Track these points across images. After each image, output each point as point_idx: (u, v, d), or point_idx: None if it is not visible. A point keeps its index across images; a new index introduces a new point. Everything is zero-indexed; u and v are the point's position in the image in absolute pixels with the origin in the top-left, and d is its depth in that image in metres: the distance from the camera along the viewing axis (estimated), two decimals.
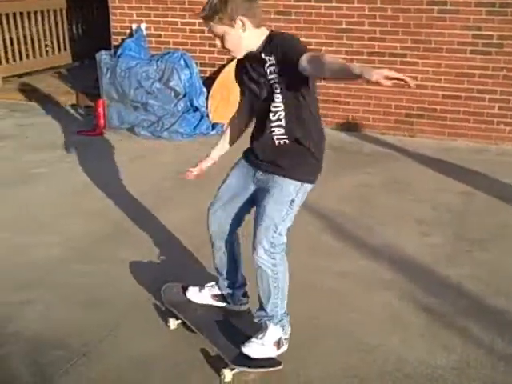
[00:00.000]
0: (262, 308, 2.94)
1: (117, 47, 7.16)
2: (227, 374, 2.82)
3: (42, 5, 9.04)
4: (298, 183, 2.82)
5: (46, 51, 9.28)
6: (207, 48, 7.04)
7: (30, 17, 8.84)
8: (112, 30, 7.51)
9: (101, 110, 6.70)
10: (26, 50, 8.86)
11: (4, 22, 8.40)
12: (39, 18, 9.01)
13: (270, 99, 2.74)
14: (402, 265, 3.87)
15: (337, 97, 6.59)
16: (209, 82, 6.85)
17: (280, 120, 2.77)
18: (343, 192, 5.01)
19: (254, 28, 2.71)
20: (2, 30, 8.37)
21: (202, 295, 3.31)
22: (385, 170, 5.53)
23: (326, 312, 3.36)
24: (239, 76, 2.92)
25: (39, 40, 9.06)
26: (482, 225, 4.44)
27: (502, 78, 6.13)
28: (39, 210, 4.67)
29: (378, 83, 2.29)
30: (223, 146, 3.17)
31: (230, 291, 3.25)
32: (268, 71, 2.69)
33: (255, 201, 2.93)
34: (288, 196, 2.80)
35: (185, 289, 3.35)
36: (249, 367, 2.86)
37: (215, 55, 7.04)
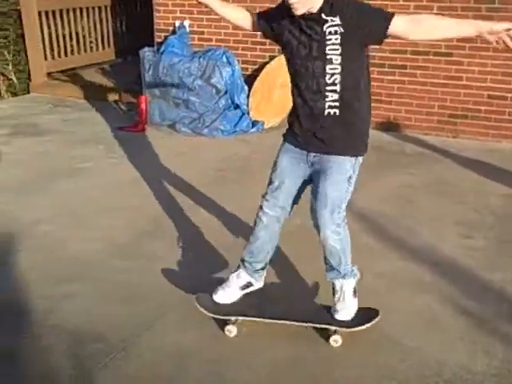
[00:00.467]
0: (332, 269, 3.09)
1: (160, 44, 7.21)
2: (339, 340, 3.04)
3: (88, 2, 9.15)
4: (353, 158, 2.89)
5: (91, 47, 9.39)
6: (249, 45, 7.04)
7: (76, 13, 8.95)
8: (155, 27, 7.57)
9: (143, 106, 6.76)
10: (71, 46, 8.98)
11: (51, 18, 8.53)
12: (84, 15, 9.12)
13: (326, 60, 2.75)
14: (442, 267, 3.82)
15: (378, 96, 6.51)
16: (250, 80, 6.85)
17: (335, 84, 2.78)
18: (384, 192, 4.96)
19: None
20: (48, 26, 8.50)
21: (230, 292, 3.25)
22: (427, 171, 5.46)
23: None
24: (275, 27, 2.91)
25: (84, 36, 9.18)
26: None
27: None
28: (82, 204, 4.74)
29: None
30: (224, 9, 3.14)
31: (259, 273, 3.25)
32: (327, 31, 2.72)
33: (311, 181, 2.99)
34: (345, 174, 2.89)
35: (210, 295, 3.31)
36: (362, 325, 3.08)
37: (257, 52, 7.04)
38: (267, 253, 3.20)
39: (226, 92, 6.63)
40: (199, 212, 4.59)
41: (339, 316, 3.12)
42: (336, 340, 3.05)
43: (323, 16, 2.72)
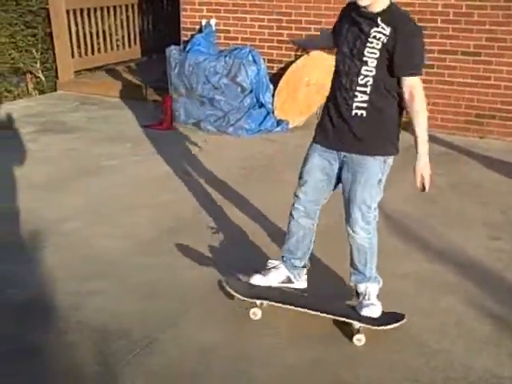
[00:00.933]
0: (358, 272, 3.17)
1: (186, 42, 7.23)
2: (362, 338, 3.03)
3: (115, 0, 9.20)
4: (382, 159, 2.97)
5: (117, 46, 9.45)
6: (275, 44, 7.03)
7: (103, 12, 9.01)
8: (182, 26, 7.60)
9: (168, 104, 6.79)
10: (98, 44, 9.04)
11: (78, 16, 8.59)
12: (111, 13, 9.18)
13: (363, 61, 2.83)
14: (467, 269, 3.78)
15: None
16: (275, 79, 6.84)
17: (366, 86, 2.86)
18: (409, 193, 4.89)
19: None
20: (75, 24, 8.56)
21: (266, 281, 3.34)
22: (453, 171, 5.41)
23: None
24: (339, 20, 3.04)
25: (110, 34, 9.23)
26: None
27: None
28: (107, 202, 4.77)
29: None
30: None
31: (298, 271, 3.33)
32: (372, 34, 2.80)
33: (342, 179, 3.06)
34: (376, 176, 2.97)
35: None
36: (387, 325, 3.08)
37: (283, 51, 7.03)
38: (306, 250, 3.29)
39: (251, 91, 6.62)
40: (222, 210, 4.60)
41: (365, 312, 3.13)
42: (359, 339, 3.04)
43: (378, 20, 2.81)
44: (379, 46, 2.80)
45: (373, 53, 2.81)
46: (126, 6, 9.50)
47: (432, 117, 6.52)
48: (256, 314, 3.20)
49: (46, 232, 4.23)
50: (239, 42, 7.20)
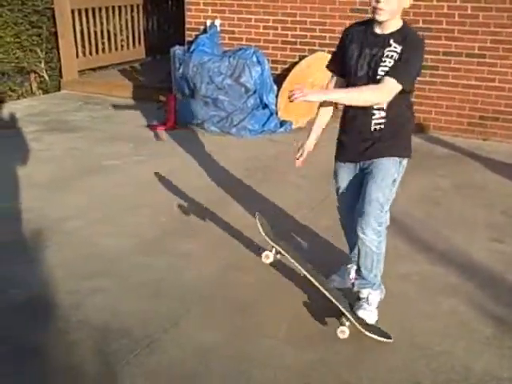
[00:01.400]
0: (362, 277, 3.19)
1: (190, 43, 7.23)
2: (346, 331, 3.02)
3: (120, 0, 9.21)
4: (398, 160, 3.02)
5: (122, 46, 9.46)
6: (279, 45, 7.03)
7: (108, 12, 9.02)
8: (186, 26, 7.61)
9: (172, 104, 6.79)
10: (102, 44, 9.05)
11: (83, 16, 8.60)
12: (116, 13, 9.19)
13: (378, 80, 2.88)
14: (470, 270, 3.77)
15: None
16: (279, 79, 6.84)
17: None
18: (412, 194, 4.91)
19: (404, 7, 2.88)
20: (80, 24, 8.58)
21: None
22: (456, 174, 5.40)
23: (389, 315, 3.29)
24: (344, 43, 3.05)
25: (115, 35, 9.24)
26: None
27: None
28: (109, 201, 4.78)
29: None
30: (317, 129, 3.29)
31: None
32: (386, 54, 2.87)
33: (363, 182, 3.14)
34: (392, 176, 3.02)
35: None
36: (376, 335, 3.07)
37: (287, 52, 7.03)
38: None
39: (254, 91, 6.62)
40: (225, 210, 4.59)
41: (361, 313, 3.16)
42: (343, 331, 3.03)
43: (391, 41, 2.87)
44: (391, 64, 2.87)
45: (386, 71, 2.88)
46: (131, 6, 9.52)
47: (436, 118, 6.55)
48: (268, 256, 3.19)
49: (48, 231, 4.23)
50: (244, 42, 7.21)
